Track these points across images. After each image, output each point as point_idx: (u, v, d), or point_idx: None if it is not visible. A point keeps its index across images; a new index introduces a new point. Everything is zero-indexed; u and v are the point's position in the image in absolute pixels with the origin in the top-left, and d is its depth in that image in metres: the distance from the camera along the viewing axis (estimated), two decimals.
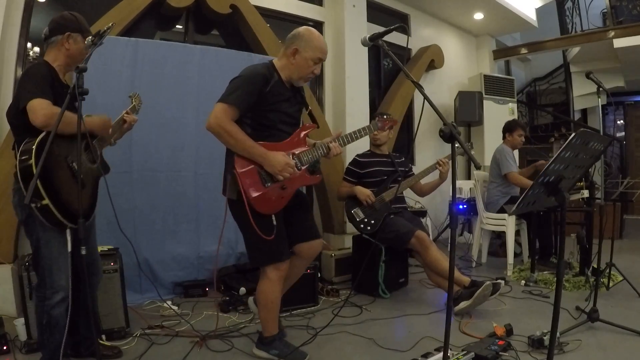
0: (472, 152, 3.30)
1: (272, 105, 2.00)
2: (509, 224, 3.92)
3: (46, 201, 1.69)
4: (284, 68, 2.06)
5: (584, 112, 8.06)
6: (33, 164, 1.68)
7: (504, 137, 4.25)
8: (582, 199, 3.98)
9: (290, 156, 2.04)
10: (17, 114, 1.78)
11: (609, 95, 3.08)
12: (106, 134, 2.06)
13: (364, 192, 3.20)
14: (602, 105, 3.23)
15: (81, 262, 1.95)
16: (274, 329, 2.17)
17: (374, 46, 1.76)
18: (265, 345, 2.16)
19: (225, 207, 2.05)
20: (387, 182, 3.29)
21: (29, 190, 1.48)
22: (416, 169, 3.52)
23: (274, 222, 1.98)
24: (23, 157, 1.71)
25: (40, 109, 1.71)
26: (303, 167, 2.09)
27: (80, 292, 1.94)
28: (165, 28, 4.05)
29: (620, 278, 3.38)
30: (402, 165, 3.45)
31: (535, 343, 2.18)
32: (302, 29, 2.07)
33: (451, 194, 1.42)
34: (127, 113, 2.19)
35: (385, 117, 2.52)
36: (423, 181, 3.43)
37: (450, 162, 3.22)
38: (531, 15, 6.48)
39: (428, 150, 5.80)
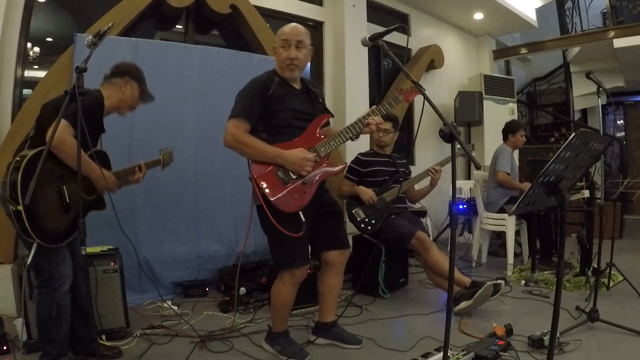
0: (473, 153, 3.32)
1: (280, 104, 2.05)
2: (509, 224, 3.92)
3: (20, 207, 1.68)
4: (277, 69, 2.14)
5: (584, 112, 8.06)
6: (22, 167, 1.69)
7: (505, 138, 4.24)
8: (583, 199, 3.98)
9: (309, 151, 2.05)
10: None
11: (609, 95, 3.08)
12: (101, 187, 2.02)
13: (366, 193, 3.19)
14: (602, 105, 3.23)
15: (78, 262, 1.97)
16: (281, 327, 2.23)
17: (374, 46, 1.76)
18: (271, 339, 2.24)
19: (251, 212, 2.10)
20: (388, 182, 3.29)
21: (29, 191, 1.47)
22: (416, 169, 3.51)
23: (303, 219, 2.00)
24: (18, 158, 1.74)
25: (60, 130, 1.72)
26: (322, 159, 2.08)
27: (74, 292, 1.95)
28: (165, 28, 4.05)
29: (621, 278, 3.38)
30: (403, 166, 3.45)
31: (535, 343, 2.18)
32: None
33: (451, 194, 1.42)
34: (143, 165, 2.27)
35: (405, 89, 2.32)
36: (417, 187, 3.45)
37: (441, 169, 3.26)
38: (531, 15, 6.48)
39: (428, 150, 5.80)
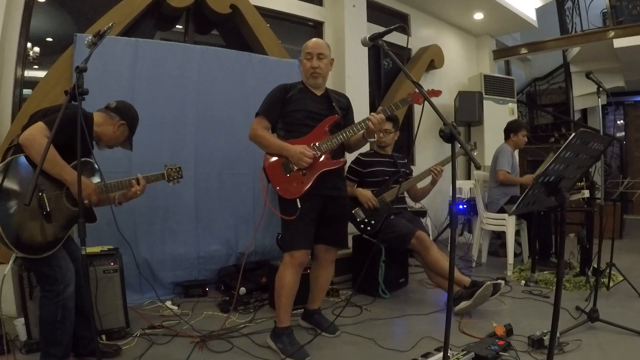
0: (475, 153, 3.32)
1: (296, 105, 2.33)
2: (509, 224, 3.92)
3: None
4: (303, 78, 2.43)
5: (584, 112, 8.06)
6: None
7: (507, 137, 4.24)
8: (583, 199, 3.98)
9: (312, 147, 2.26)
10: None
11: (609, 95, 3.08)
12: (76, 193, 1.91)
13: (364, 195, 3.20)
14: (602, 105, 3.23)
15: (77, 264, 1.97)
16: (285, 320, 2.28)
17: (374, 46, 1.77)
18: (275, 336, 2.28)
19: (264, 203, 2.29)
20: (388, 182, 3.28)
21: (29, 191, 1.47)
22: (416, 169, 3.51)
23: (298, 205, 2.21)
24: None
25: (33, 128, 1.76)
26: (322, 155, 2.28)
27: (76, 293, 1.95)
28: (165, 28, 4.05)
29: (621, 278, 3.38)
30: (404, 166, 3.45)
31: (535, 343, 2.18)
32: None
33: (451, 194, 1.42)
34: (141, 178, 2.18)
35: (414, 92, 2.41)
36: (419, 185, 3.44)
37: (444, 169, 3.26)
38: (531, 15, 6.49)
39: (428, 150, 5.80)
